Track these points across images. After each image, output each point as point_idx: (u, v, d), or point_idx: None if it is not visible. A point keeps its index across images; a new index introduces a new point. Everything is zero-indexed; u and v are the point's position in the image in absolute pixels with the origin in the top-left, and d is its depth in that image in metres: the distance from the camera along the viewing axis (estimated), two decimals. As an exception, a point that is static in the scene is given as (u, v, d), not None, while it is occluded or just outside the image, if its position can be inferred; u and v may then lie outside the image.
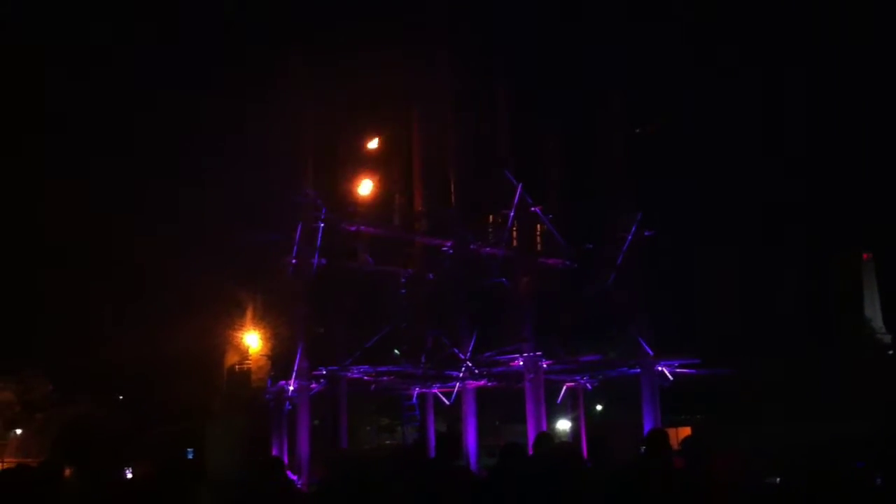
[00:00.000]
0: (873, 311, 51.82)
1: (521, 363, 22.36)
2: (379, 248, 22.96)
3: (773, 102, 42.05)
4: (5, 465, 25.14)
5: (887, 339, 49.06)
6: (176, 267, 22.88)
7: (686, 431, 27.25)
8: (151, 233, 24.10)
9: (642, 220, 23.12)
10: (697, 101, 33.08)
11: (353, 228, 22.26)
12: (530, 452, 8.88)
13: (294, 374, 21.33)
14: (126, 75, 26.92)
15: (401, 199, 24.40)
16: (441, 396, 24.05)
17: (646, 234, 23.11)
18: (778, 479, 8.74)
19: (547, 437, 9.71)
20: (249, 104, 21.80)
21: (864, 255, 53.71)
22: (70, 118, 28.26)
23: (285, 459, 20.56)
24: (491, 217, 24.36)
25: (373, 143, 23.87)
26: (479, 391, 23.17)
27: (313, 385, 21.92)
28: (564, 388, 26.02)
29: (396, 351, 23.14)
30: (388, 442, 37.37)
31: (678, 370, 23.27)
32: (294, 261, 21.58)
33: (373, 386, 23.42)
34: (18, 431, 35.18)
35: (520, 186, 23.05)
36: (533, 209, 23.54)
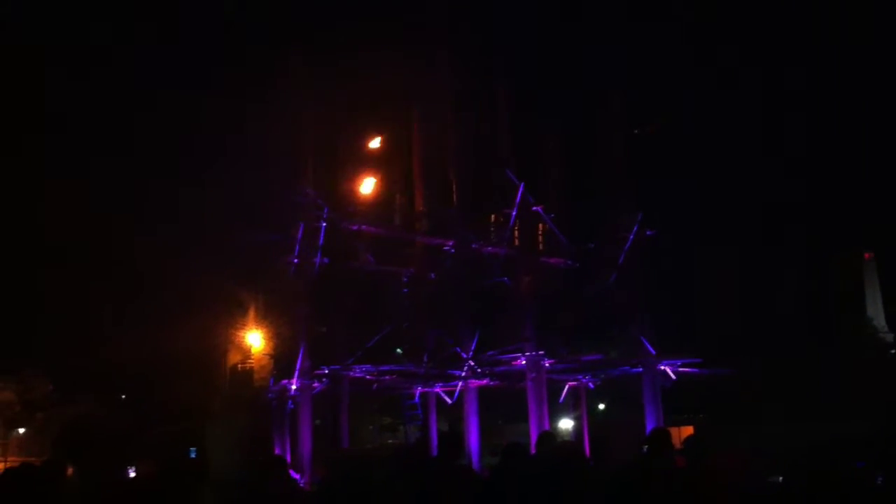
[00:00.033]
0: (875, 310, 51.77)
1: (524, 362, 22.43)
2: (380, 248, 22.97)
3: (773, 102, 42.04)
4: (9, 464, 25.17)
5: (889, 338, 48.99)
6: (176, 267, 22.87)
7: (688, 431, 27.22)
8: (151, 233, 24.11)
9: (643, 219, 23.15)
10: (697, 101, 33.12)
11: (354, 228, 22.28)
12: (532, 452, 8.88)
13: (296, 374, 21.37)
14: (126, 75, 26.92)
15: (402, 199, 24.41)
16: (443, 395, 24.06)
17: (647, 233, 23.15)
18: (780, 479, 8.76)
19: (549, 437, 9.68)
20: (249, 104, 21.81)
21: (866, 255, 53.68)
22: (70, 118, 28.23)
23: (287, 458, 20.58)
24: (493, 216, 24.40)
25: (374, 142, 23.88)
26: (482, 390, 23.20)
27: (315, 384, 21.94)
28: (566, 387, 26.04)
29: (398, 350, 23.18)
30: (390, 441, 37.32)
31: (680, 369, 23.31)
32: (296, 260, 21.59)
33: (375, 385, 23.44)
34: (21, 431, 35.18)
35: (522, 185, 23.09)
36: (535, 208, 23.57)
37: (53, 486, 6.96)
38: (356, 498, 7.61)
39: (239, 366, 23.10)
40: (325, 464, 16.65)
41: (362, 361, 21.90)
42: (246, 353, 23.13)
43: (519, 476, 7.75)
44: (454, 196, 23.58)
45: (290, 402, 22.36)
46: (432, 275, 23.45)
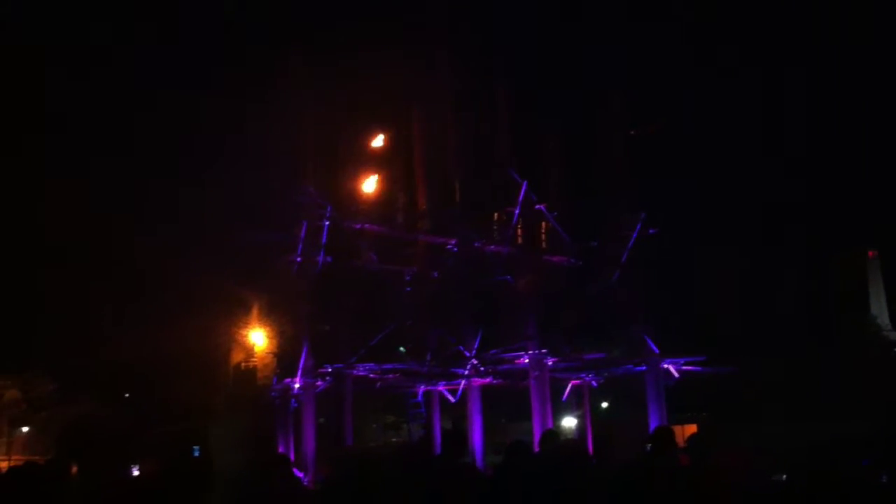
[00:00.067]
0: (879, 308, 51.74)
1: (527, 361, 22.43)
2: (383, 247, 22.97)
3: (773, 102, 42.09)
4: (13, 463, 25.18)
5: (893, 336, 48.92)
6: (176, 267, 22.90)
7: (692, 429, 27.22)
8: (151, 233, 24.13)
9: (645, 219, 23.18)
10: (697, 101, 33.16)
11: (357, 227, 22.29)
12: (536, 450, 8.87)
13: (299, 372, 21.38)
14: (126, 75, 26.96)
15: (404, 198, 24.41)
16: (447, 394, 24.04)
17: (650, 232, 23.17)
18: (784, 477, 8.77)
19: (552, 435, 9.67)
20: (249, 104, 21.83)
21: (870, 253, 53.64)
22: (70, 118, 28.27)
23: (291, 457, 20.60)
24: (496, 215, 24.40)
25: (377, 141, 23.87)
26: (485, 389, 23.21)
27: (319, 383, 21.95)
28: (570, 385, 26.01)
29: (402, 349, 23.19)
30: (393, 439, 37.31)
31: (683, 368, 23.32)
32: (299, 259, 21.61)
33: (378, 384, 23.44)
34: (25, 429, 35.23)
35: (525, 184, 23.11)
36: (537, 207, 23.59)
37: (57, 485, 6.97)
38: (360, 496, 7.61)
39: (242, 365, 23.13)
40: (329, 462, 16.65)
41: (365, 360, 21.91)
42: (249, 352, 23.16)
43: (522, 474, 7.75)
44: (456, 195, 23.58)
45: (293, 400, 22.36)
46: (435, 273, 23.44)
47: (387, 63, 20.70)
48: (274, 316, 22.60)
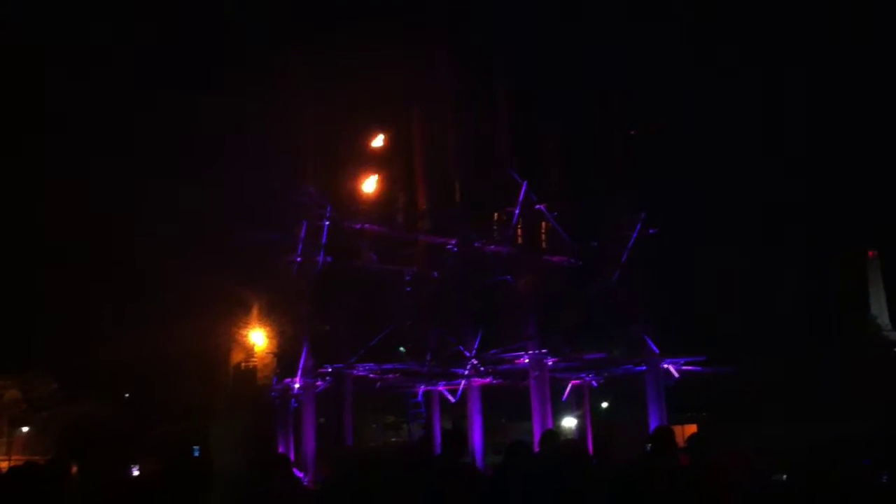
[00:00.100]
0: (879, 308, 51.74)
1: (527, 361, 22.43)
2: (383, 247, 22.98)
3: (773, 102, 42.04)
4: (13, 463, 25.18)
5: (893, 336, 48.93)
6: (176, 267, 22.90)
7: (692, 429, 27.20)
8: (151, 233, 24.12)
9: (645, 219, 23.18)
10: (697, 101, 33.14)
11: (357, 227, 22.30)
12: (536, 450, 8.88)
13: (299, 372, 21.39)
14: (126, 75, 26.94)
15: (404, 198, 24.42)
16: (447, 394, 24.05)
17: (650, 232, 23.18)
18: (784, 477, 8.77)
19: (552, 435, 9.67)
20: (249, 104, 21.83)
21: (871, 253, 53.63)
22: (70, 118, 28.25)
23: (291, 457, 20.62)
24: (496, 215, 24.41)
25: (377, 141, 23.89)
26: (485, 389, 23.21)
27: (319, 383, 21.96)
28: (570, 385, 26.01)
29: (402, 349, 23.20)
30: (393, 439, 37.32)
31: (683, 367, 23.32)
32: (299, 259, 21.61)
33: (378, 384, 23.45)
34: (25, 429, 35.23)
35: (525, 184, 23.12)
36: (537, 207, 23.60)
37: (58, 485, 6.97)
38: (360, 496, 7.61)
39: (242, 365, 23.14)
40: (329, 462, 16.67)
41: (365, 360, 21.92)
42: (249, 352, 23.17)
43: (522, 474, 7.76)
44: (456, 195, 23.59)
45: (293, 400, 22.37)
46: (435, 273, 23.45)
47: (387, 63, 20.71)
48: (274, 316, 22.61)
